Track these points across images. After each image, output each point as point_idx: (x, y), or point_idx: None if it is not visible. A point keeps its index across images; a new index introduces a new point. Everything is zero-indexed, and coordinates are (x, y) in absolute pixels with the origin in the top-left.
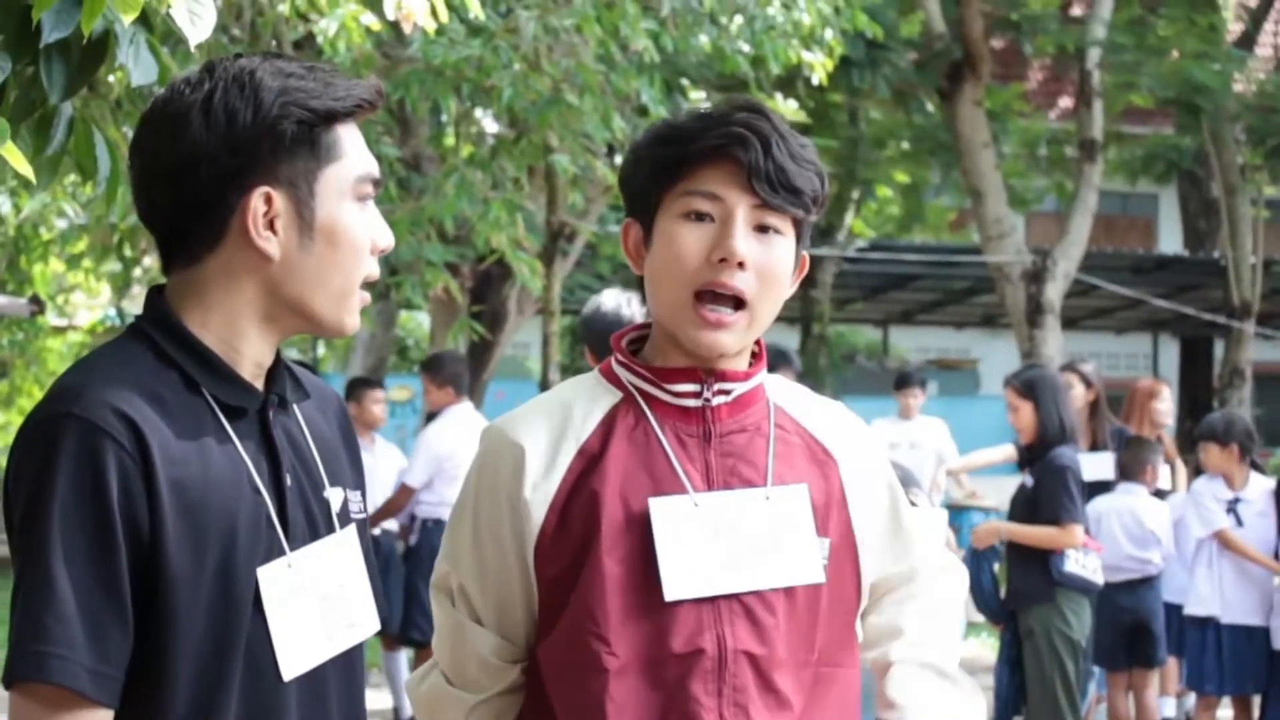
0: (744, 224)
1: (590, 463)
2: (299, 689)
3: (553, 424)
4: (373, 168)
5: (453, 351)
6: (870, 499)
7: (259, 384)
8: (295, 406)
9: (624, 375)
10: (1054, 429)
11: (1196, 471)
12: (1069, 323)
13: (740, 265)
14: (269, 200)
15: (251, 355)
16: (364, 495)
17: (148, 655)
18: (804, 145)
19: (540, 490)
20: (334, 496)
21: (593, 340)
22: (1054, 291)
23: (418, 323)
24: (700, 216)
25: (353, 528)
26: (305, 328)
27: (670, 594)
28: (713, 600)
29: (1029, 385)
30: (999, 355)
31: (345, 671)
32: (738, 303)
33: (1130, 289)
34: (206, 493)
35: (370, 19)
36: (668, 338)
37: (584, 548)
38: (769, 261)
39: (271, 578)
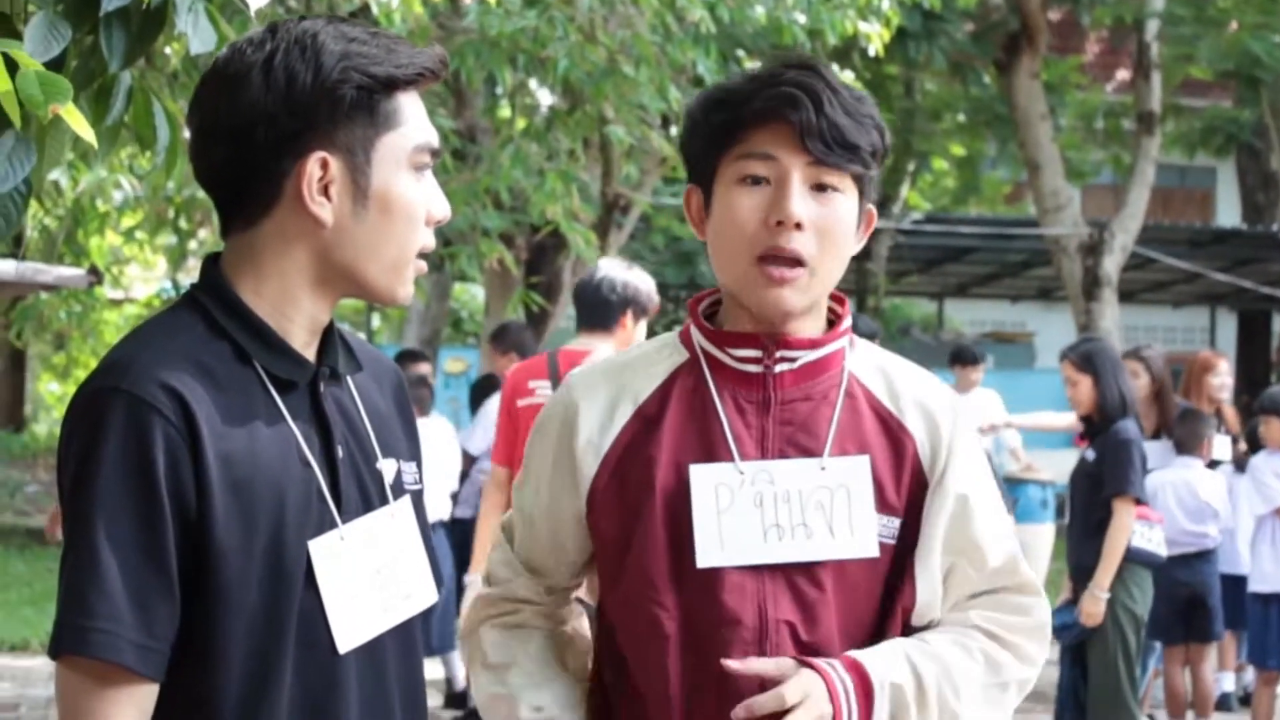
0: (800, 184)
1: (646, 424)
2: (357, 661)
3: (611, 383)
4: (432, 137)
5: (518, 321)
6: (948, 480)
7: (311, 352)
8: (348, 378)
9: (695, 337)
10: (1114, 402)
11: (1250, 445)
12: (1125, 296)
13: (798, 226)
14: (325, 165)
15: (303, 322)
16: (419, 466)
17: (198, 630)
18: (860, 99)
19: (592, 446)
20: (387, 468)
21: (579, 308)
22: (1111, 264)
23: (471, 295)
24: (756, 180)
25: (406, 499)
26: (357, 294)
27: (702, 561)
28: (756, 570)
29: (1087, 358)
30: (1055, 328)
31: (403, 643)
32: (797, 262)
33: (1188, 262)
34: (255, 467)
35: None
36: (734, 302)
37: (637, 510)
38: (828, 220)
39: (323, 550)
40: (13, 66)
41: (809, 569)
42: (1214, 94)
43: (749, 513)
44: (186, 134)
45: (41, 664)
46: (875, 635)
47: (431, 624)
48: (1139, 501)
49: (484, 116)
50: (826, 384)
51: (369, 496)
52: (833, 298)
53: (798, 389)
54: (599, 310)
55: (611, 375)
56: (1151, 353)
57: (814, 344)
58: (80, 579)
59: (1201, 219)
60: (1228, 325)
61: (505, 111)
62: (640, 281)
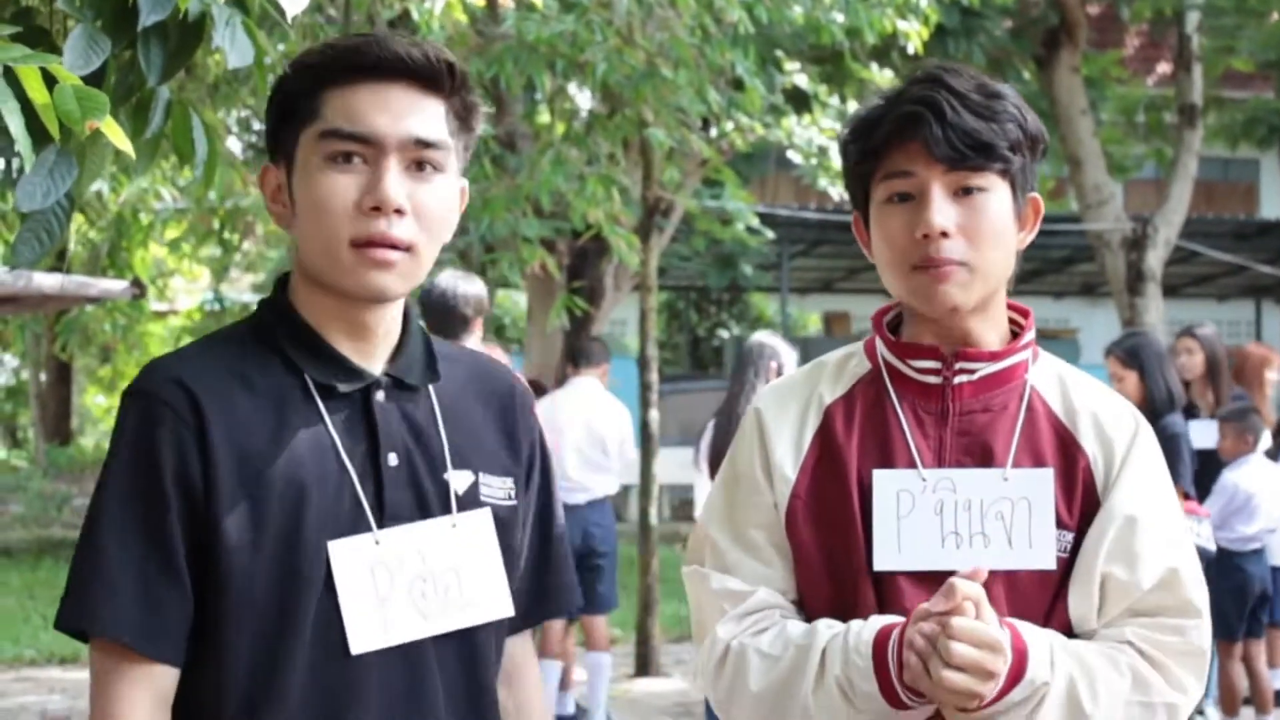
0: (941, 193)
1: (830, 435)
2: (383, 665)
3: (799, 396)
4: (348, 124)
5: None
6: (1115, 498)
7: (370, 359)
8: (430, 387)
9: (879, 348)
10: (1162, 397)
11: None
12: (1170, 290)
13: (943, 235)
14: (270, 173)
15: (335, 326)
16: (522, 482)
17: (208, 620)
18: (994, 96)
19: (787, 459)
20: (458, 479)
21: (428, 317)
22: (1155, 259)
23: (514, 301)
24: (904, 197)
25: (482, 511)
26: (334, 290)
27: (879, 564)
28: (933, 576)
29: (1133, 353)
30: (1098, 324)
31: (460, 652)
32: (951, 264)
33: (1232, 255)
34: (274, 466)
35: None
36: (912, 314)
37: (830, 519)
38: (976, 221)
39: (345, 552)
40: (51, 81)
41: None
42: (1255, 85)
43: (929, 519)
44: (226, 145)
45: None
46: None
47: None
48: (1187, 496)
49: (523, 122)
50: (1006, 395)
51: (427, 505)
52: (1018, 310)
53: (976, 400)
54: (453, 320)
55: (799, 388)
56: (1206, 331)
57: (994, 356)
58: (83, 560)
59: (1245, 211)
60: (1274, 318)
61: (544, 117)
62: (481, 290)
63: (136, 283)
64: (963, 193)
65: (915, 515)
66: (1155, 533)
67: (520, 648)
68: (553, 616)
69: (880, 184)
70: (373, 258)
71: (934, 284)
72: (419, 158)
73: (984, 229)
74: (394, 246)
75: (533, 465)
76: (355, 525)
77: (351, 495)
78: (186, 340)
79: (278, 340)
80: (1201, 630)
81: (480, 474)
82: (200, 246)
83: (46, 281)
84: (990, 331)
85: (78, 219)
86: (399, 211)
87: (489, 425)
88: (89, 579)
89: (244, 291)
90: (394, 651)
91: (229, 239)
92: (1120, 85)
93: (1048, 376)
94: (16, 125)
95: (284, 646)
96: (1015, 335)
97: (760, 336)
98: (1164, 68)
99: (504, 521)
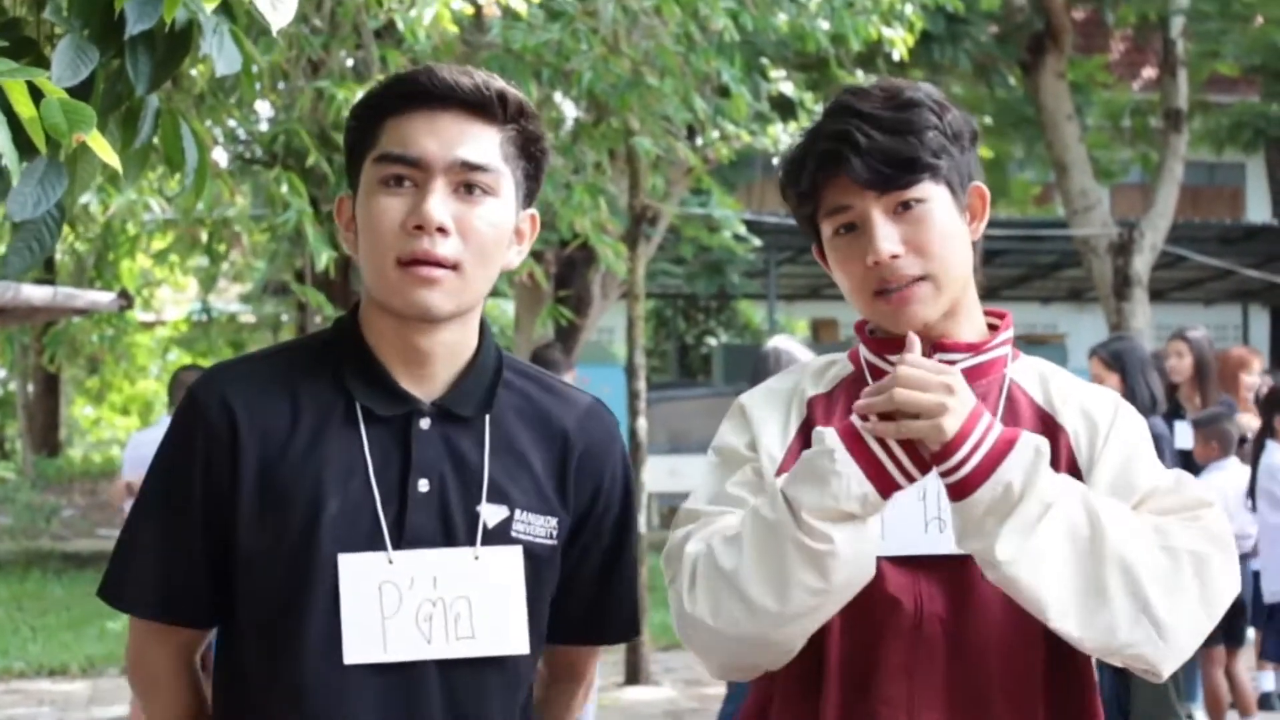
0: (882, 217)
1: (813, 425)
2: (381, 679)
3: (782, 394)
4: (399, 148)
5: (541, 343)
6: (1103, 467)
7: (424, 385)
8: (486, 417)
9: (861, 351)
10: (1143, 400)
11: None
12: (1157, 295)
13: (893, 258)
14: (345, 204)
15: (394, 352)
16: (564, 523)
17: (229, 610)
18: (905, 106)
19: (775, 442)
20: (490, 512)
21: None
22: (1141, 264)
23: (501, 310)
24: (849, 228)
25: (512, 549)
26: (392, 314)
27: None
28: (914, 561)
29: (1115, 356)
30: (1086, 329)
31: (468, 681)
32: (912, 280)
33: (1219, 259)
34: (299, 479)
35: (460, 4)
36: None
37: None
38: (922, 234)
39: (354, 566)
40: (38, 94)
41: (964, 563)
42: (1241, 89)
43: (911, 506)
44: (215, 155)
45: (80, 688)
46: (1034, 628)
47: None
48: None
49: None
50: (985, 388)
51: (453, 533)
52: (995, 314)
53: None
54: None
55: (782, 387)
56: (1197, 334)
57: (972, 348)
58: (122, 538)
59: (1231, 215)
60: (1261, 322)
61: None
62: None
63: (124, 294)
64: (902, 208)
65: (897, 502)
66: (1149, 465)
67: (581, 656)
68: (606, 642)
69: (824, 220)
70: (417, 275)
71: (899, 309)
72: (467, 180)
73: (932, 239)
74: (438, 264)
75: (605, 506)
76: (370, 543)
77: (371, 515)
78: (174, 351)
79: (335, 359)
80: (1217, 515)
81: (517, 510)
82: (187, 257)
83: (35, 293)
84: (966, 330)
85: (65, 230)
86: (442, 230)
87: (540, 463)
88: (123, 558)
89: (231, 302)
90: (394, 668)
91: (216, 250)
92: (1106, 90)
93: (1027, 372)
94: (3, 138)
95: (287, 646)
96: (992, 328)
97: (777, 341)
98: (1149, 72)
99: (540, 560)
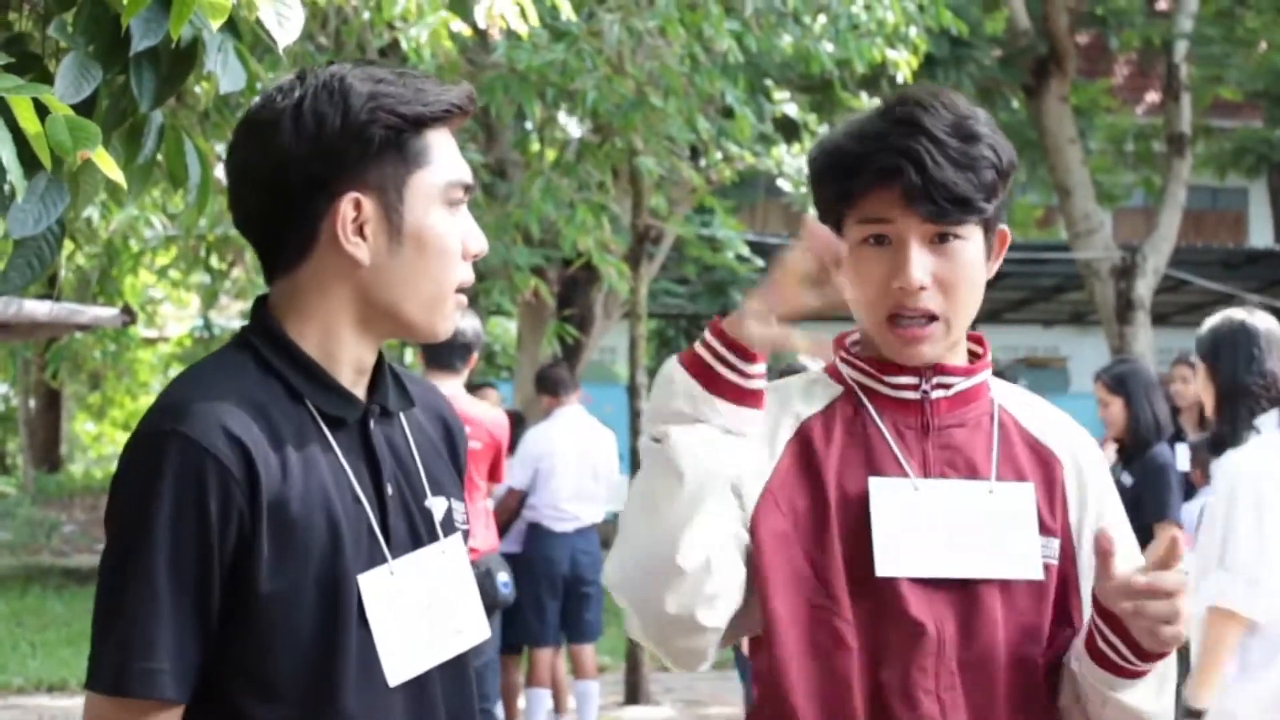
0: (919, 244)
1: (807, 446)
2: (407, 695)
3: (769, 409)
4: (464, 173)
5: (546, 363)
6: (1090, 501)
7: (360, 390)
8: (400, 415)
9: (845, 370)
10: (1147, 425)
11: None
12: (1159, 319)
13: (921, 288)
14: (358, 206)
15: (349, 361)
16: (466, 505)
17: (252, 660)
18: (970, 138)
19: (755, 473)
20: (436, 505)
21: (428, 349)
22: (1144, 287)
23: (504, 329)
24: (880, 239)
25: (457, 536)
26: (399, 332)
27: (882, 570)
28: (931, 583)
29: (1119, 380)
30: (1088, 353)
31: (454, 679)
32: (930, 317)
33: (1221, 284)
34: (309, 506)
35: (460, 26)
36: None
37: (800, 527)
38: (952, 272)
39: (373, 585)
40: (43, 111)
41: (975, 587)
42: (1244, 114)
43: (924, 527)
44: (218, 172)
45: (79, 704)
46: (1035, 650)
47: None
48: (1179, 528)
49: (514, 150)
50: (978, 411)
51: (418, 533)
52: (973, 339)
53: (953, 415)
54: (451, 352)
55: (769, 404)
56: None
57: (967, 371)
58: (128, 618)
59: (1234, 240)
60: None
61: (535, 145)
62: (477, 322)
63: (126, 310)
64: (939, 239)
65: (915, 522)
66: (1115, 502)
67: None
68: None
69: (855, 225)
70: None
71: (908, 345)
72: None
73: (959, 278)
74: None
75: (463, 488)
76: (373, 557)
77: (368, 527)
78: (176, 367)
79: (275, 371)
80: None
81: (452, 499)
82: (189, 274)
83: (37, 309)
84: (957, 357)
85: (68, 246)
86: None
87: (441, 448)
88: (138, 641)
89: (233, 318)
90: (413, 682)
91: (218, 267)
92: (1109, 114)
93: (1005, 395)
94: (8, 154)
95: (335, 683)
96: (975, 357)
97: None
98: (1152, 97)
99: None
